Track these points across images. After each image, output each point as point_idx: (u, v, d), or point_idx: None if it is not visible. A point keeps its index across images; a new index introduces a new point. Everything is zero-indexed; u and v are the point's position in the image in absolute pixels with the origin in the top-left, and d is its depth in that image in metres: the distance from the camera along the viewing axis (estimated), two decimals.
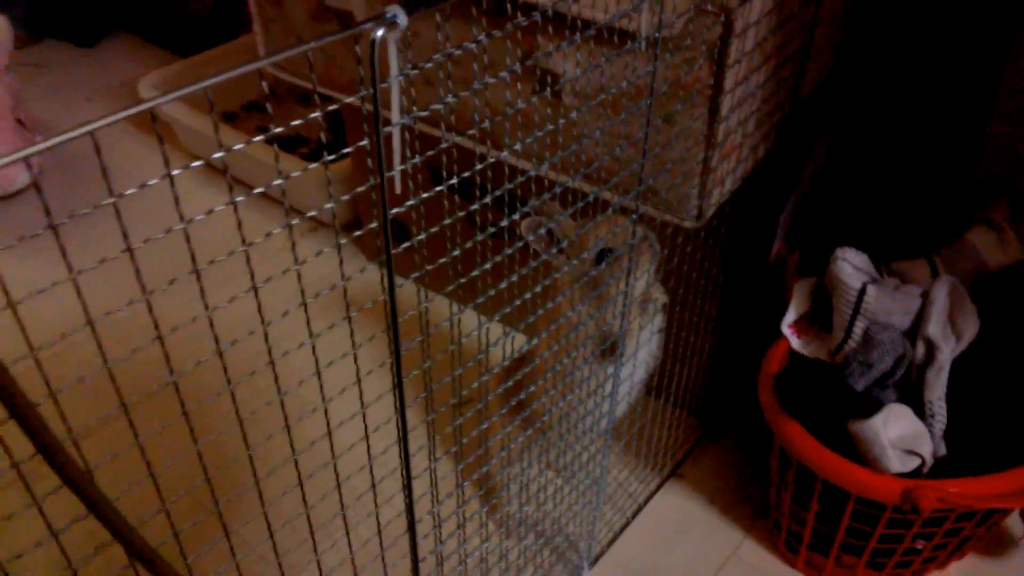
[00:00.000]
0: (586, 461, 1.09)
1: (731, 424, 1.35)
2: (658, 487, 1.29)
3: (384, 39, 0.49)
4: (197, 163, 0.50)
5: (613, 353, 0.97)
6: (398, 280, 0.60)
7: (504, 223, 0.73)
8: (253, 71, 0.45)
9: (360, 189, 0.59)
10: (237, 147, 0.49)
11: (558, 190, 0.74)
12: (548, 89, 0.98)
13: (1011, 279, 1.10)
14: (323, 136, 0.55)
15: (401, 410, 0.67)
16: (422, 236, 0.63)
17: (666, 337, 1.10)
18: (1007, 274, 1.11)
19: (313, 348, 0.59)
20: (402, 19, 0.49)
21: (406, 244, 0.63)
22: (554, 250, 0.96)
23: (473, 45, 0.57)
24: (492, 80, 0.63)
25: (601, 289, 0.95)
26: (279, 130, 0.51)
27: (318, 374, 0.61)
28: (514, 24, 0.62)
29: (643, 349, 1.04)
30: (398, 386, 0.66)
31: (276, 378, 0.59)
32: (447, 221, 0.65)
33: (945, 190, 1.25)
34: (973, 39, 1.23)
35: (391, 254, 0.58)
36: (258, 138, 0.51)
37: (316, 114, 0.50)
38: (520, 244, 0.79)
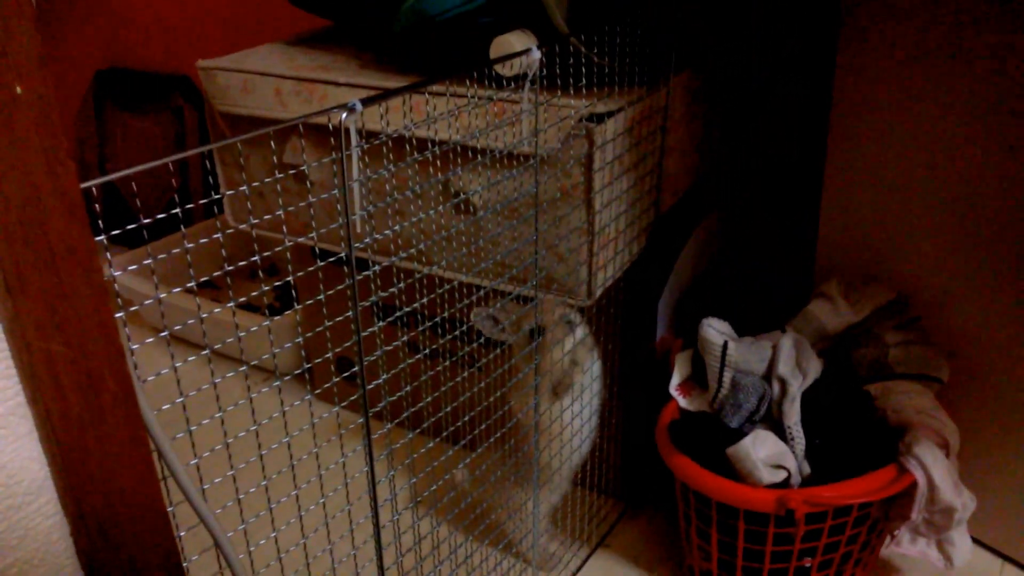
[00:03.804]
0: (520, 539, 1.30)
1: (649, 495, 1.56)
2: (588, 556, 1.47)
3: (346, 120, 0.75)
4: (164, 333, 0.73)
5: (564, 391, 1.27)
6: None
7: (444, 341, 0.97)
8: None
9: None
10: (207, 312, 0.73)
11: (482, 293, 0.99)
12: (461, 201, 1.25)
13: (845, 336, 1.37)
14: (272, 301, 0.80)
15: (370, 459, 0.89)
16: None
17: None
18: (842, 333, 1.38)
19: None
20: (359, 107, 0.75)
21: (347, 373, 0.87)
22: (496, 330, 1.25)
23: (409, 170, 0.84)
24: (424, 214, 0.89)
25: (537, 360, 1.23)
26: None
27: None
28: (432, 154, 0.90)
29: (586, 391, 1.31)
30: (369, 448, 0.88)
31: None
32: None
33: (791, 277, 1.54)
34: (803, 167, 1.57)
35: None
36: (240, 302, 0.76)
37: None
38: (453, 360, 1.04)
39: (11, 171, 0.43)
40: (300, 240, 0.76)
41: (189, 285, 0.69)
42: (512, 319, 1.24)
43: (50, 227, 0.45)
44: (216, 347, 0.65)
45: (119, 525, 0.54)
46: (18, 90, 0.43)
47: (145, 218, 0.63)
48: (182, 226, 0.67)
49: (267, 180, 0.79)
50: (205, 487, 0.76)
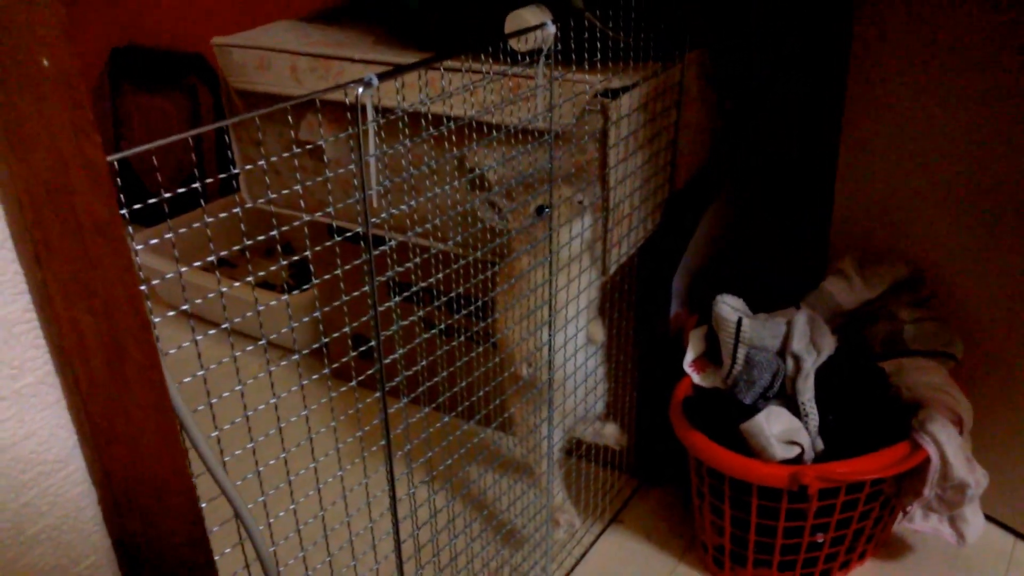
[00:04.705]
0: (534, 515, 1.30)
1: (663, 471, 1.57)
2: (601, 531, 1.48)
3: (363, 94, 0.75)
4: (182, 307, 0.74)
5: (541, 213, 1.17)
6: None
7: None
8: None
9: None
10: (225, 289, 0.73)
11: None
12: (476, 177, 1.26)
13: (860, 313, 1.37)
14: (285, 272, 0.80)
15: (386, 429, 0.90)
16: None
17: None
18: (857, 310, 1.38)
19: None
20: (375, 81, 0.75)
21: (363, 348, 0.88)
22: (497, 217, 1.19)
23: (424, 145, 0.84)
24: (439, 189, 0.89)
25: (540, 240, 1.17)
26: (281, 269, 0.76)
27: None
28: (448, 129, 0.90)
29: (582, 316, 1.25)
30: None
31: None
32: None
33: (806, 253, 1.54)
34: (818, 145, 1.57)
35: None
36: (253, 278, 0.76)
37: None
38: (463, 338, 1.05)
39: (38, 142, 0.44)
40: (317, 216, 0.77)
41: (209, 259, 0.70)
42: (513, 207, 1.16)
43: (77, 197, 0.46)
44: (236, 320, 0.66)
45: (145, 492, 0.56)
46: (45, 63, 0.44)
47: (162, 197, 0.64)
48: (202, 200, 0.68)
49: (285, 155, 0.79)
50: (226, 459, 0.77)
